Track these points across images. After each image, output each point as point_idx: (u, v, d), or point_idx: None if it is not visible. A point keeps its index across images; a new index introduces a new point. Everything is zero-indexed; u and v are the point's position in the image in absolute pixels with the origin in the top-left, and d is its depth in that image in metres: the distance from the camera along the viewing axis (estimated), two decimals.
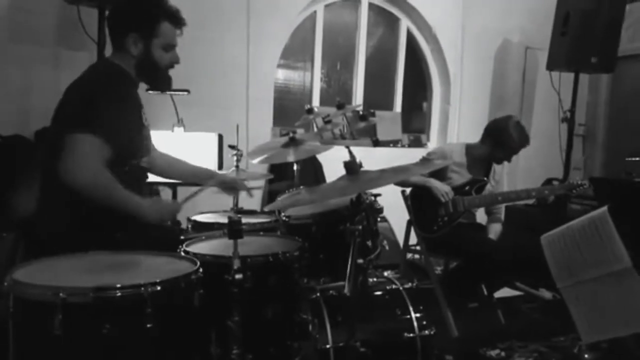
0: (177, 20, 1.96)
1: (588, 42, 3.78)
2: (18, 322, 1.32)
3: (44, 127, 2.76)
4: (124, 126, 1.85)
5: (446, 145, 3.82)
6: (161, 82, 2.03)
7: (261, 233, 2.09)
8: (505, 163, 3.12)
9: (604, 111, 5.23)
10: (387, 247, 2.18)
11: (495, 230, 3.06)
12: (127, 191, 1.79)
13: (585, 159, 5.31)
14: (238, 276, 1.49)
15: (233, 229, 1.49)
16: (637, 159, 3.83)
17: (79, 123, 1.74)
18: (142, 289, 1.29)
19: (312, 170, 3.77)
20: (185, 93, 3.20)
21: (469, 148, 3.12)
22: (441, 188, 2.92)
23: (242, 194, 2.44)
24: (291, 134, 2.04)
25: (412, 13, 4.48)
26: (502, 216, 3.18)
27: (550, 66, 4.03)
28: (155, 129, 1.88)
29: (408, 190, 3.11)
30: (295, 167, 2.82)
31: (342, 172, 1.58)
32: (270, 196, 3.63)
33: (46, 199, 1.90)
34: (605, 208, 1.60)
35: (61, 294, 1.23)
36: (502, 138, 2.96)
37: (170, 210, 1.96)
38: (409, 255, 3.52)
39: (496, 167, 3.15)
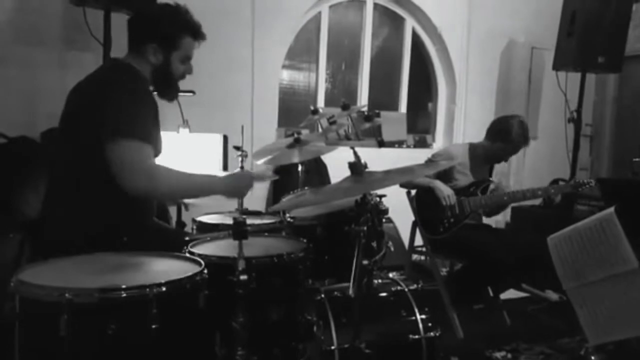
0: (198, 35, 1.99)
1: (595, 41, 3.76)
2: (24, 322, 1.33)
3: (50, 129, 2.76)
4: (153, 127, 1.85)
5: (452, 146, 3.81)
6: (171, 92, 2.05)
7: (266, 234, 2.08)
8: (513, 163, 3.11)
9: (610, 111, 5.20)
10: (392, 248, 2.17)
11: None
12: (192, 174, 1.81)
13: (592, 159, 5.28)
14: (243, 277, 1.49)
15: (238, 230, 1.49)
16: None
17: (120, 130, 1.70)
18: (148, 290, 1.30)
19: (317, 171, 3.76)
20: (191, 94, 3.21)
21: (472, 147, 3.11)
22: (444, 190, 2.91)
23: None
24: (296, 135, 2.04)
25: (418, 13, 4.47)
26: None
27: (557, 66, 4.01)
28: (161, 130, 1.88)
29: (413, 191, 3.10)
30: (300, 168, 2.82)
31: (347, 173, 1.58)
32: (275, 197, 3.63)
33: (53, 201, 1.90)
34: (612, 209, 1.59)
35: (67, 295, 1.24)
36: (505, 136, 2.96)
37: (247, 183, 1.88)
38: (415, 257, 3.51)
39: (497, 167, 3.15)
